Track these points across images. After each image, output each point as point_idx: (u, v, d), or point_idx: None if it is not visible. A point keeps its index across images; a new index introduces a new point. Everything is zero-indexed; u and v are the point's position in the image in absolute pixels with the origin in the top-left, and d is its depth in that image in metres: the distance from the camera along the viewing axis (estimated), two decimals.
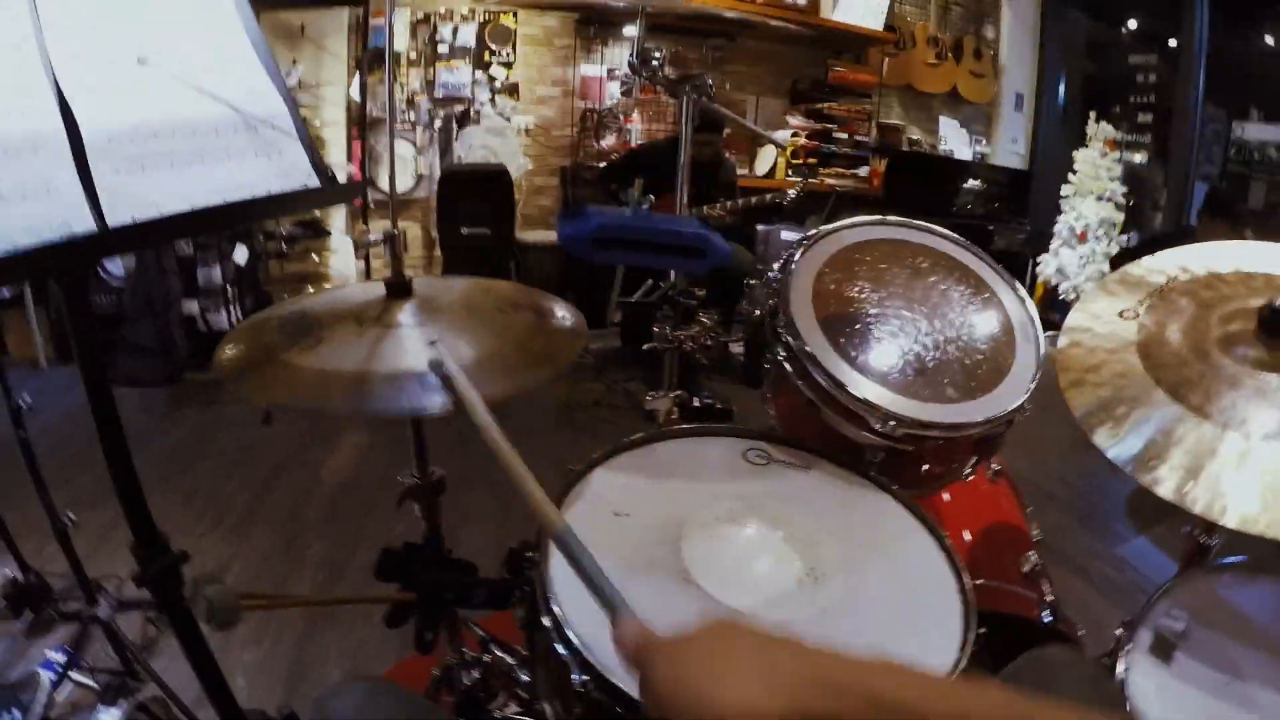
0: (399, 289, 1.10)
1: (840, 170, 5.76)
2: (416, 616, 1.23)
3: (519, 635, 1.04)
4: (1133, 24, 6.39)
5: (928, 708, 0.46)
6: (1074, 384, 1.12)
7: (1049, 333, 1.23)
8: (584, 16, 5.13)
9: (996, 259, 1.36)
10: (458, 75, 4.96)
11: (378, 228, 4.89)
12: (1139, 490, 1.01)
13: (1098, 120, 5.32)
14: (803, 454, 1.16)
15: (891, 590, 0.92)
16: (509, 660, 1.43)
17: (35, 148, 0.69)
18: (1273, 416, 0.97)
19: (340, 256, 4.84)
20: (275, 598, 1.99)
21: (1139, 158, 6.29)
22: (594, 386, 3.95)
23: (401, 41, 4.80)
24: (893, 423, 1.08)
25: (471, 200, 4.60)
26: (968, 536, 1.50)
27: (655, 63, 1.79)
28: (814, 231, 1.33)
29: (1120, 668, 0.99)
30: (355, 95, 4.72)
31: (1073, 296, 5.17)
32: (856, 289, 1.26)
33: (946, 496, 1.55)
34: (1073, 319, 1.22)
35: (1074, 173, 5.36)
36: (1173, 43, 5.89)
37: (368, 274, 4.93)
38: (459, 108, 5.00)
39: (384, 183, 4.29)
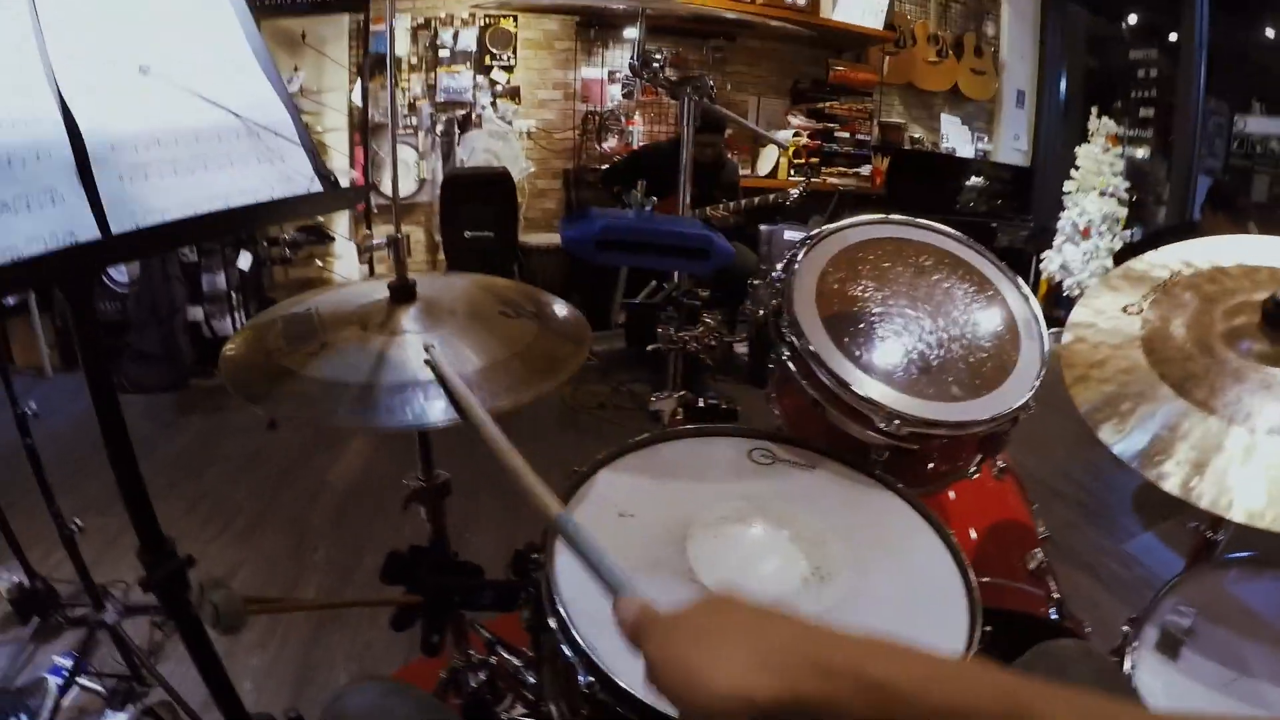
0: (403, 293, 1.10)
1: (842, 169, 5.77)
2: (423, 619, 1.23)
3: (525, 637, 1.04)
4: (1133, 18, 6.37)
5: (924, 693, 0.45)
6: (1079, 380, 1.12)
7: (1053, 329, 1.23)
8: (584, 19, 5.13)
9: (1000, 256, 1.36)
10: (459, 80, 4.97)
11: (381, 232, 4.89)
12: (1145, 485, 1.01)
13: (1099, 115, 5.31)
14: (808, 453, 1.16)
15: (897, 589, 0.92)
16: (515, 662, 1.43)
17: (39, 156, 0.70)
18: (1278, 410, 0.97)
19: (344, 261, 4.86)
20: (281, 602, 1.99)
21: (1141, 152, 6.28)
22: (599, 388, 3.95)
23: (402, 47, 4.82)
24: (897, 421, 1.08)
25: (474, 204, 4.60)
26: (974, 534, 1.50)
27: (656, 64, 1.79)
28: (817, 231, 1.33)
29: (1127, 665, 0.99)
30: (357, 101, 4.73)
31: (1076, 292, 5.17)
32: (860, 288, 1.26)
33: (952, 494, 1.55)
34: (1077, 315, 1.22)
35: (1076, 168, 5.35)
36: (1173, 36, 5.88)
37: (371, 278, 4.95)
38: (461, 112, 5.01)
39: (387, 187, 4.30)
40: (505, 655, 1.45)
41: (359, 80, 4.72)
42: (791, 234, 4.20)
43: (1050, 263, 5.41)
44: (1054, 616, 1.35)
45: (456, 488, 1.30)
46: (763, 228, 4.35)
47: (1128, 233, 5.34)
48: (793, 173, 5.50)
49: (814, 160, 5.63)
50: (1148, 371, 1.08)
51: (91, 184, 0.73)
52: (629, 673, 0.72)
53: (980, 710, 0.44)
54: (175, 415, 3.62)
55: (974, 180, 5.64)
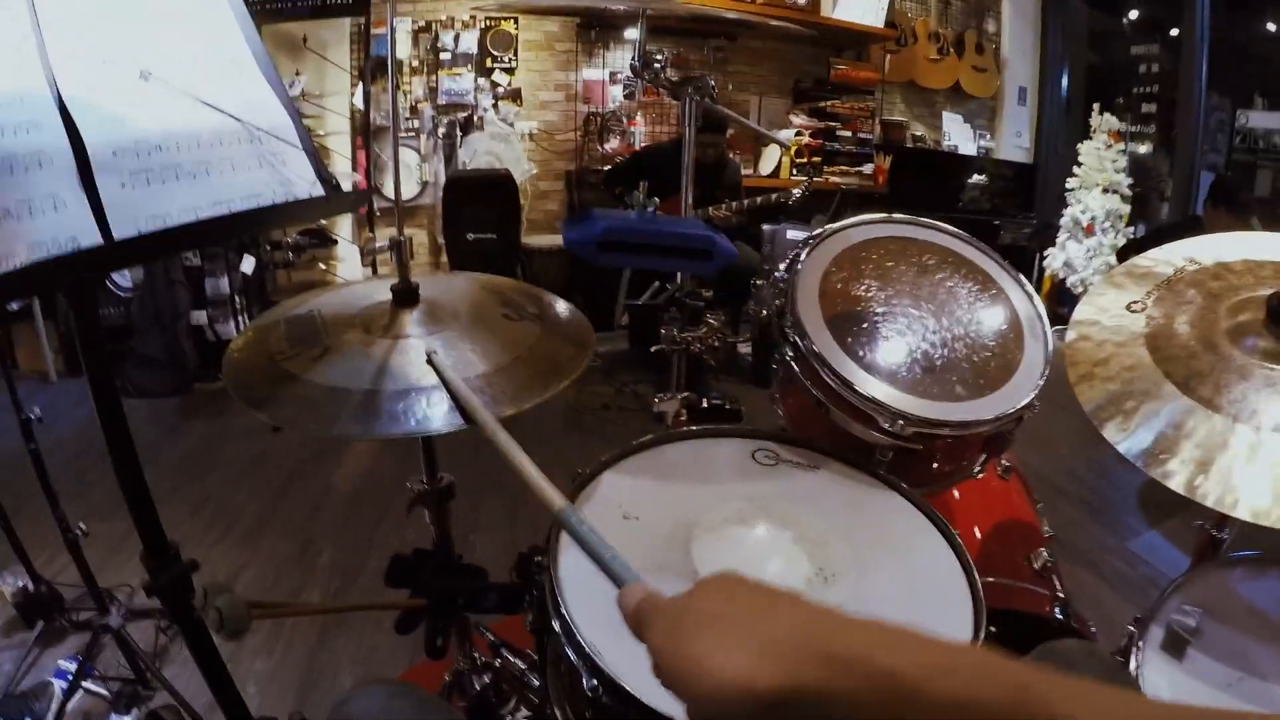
0: (406, 296, 1.10)
1: (844, 168, 5.77)
2: (427, 622, 1.23)
3: (530, 640, 1.04)
4: (1134, 14, 6.35)
5: (933, 685, 0.44)
6: (1083, 378, 1.11)
7: (1057, 327, 1.22)
8: (585, 21, 5.14)
9: (1003, 254, 1.35)
10: (460, 82, 4.98)
11: (384, 235, 4.91)
12: (1150, 483, 1.00)
13: (1101, 112, 5.30)
14: (811, 454, 1.15)
15: (902, 589, 0.92)
16: (520, 665, 1.43)
17: (40, 163, 0.70)
18: None
19: (347, 264, 4.86)
20: (286, 606, 1.99)
21: (1144, 148, 6.26)
22: (602, 389, 3.96)
23: (403, 49, 4.83)
24: (901, 421, 1.08)
25: (477, 206, 4.61)
26: (978, 534, 1.49)
27: (657, 65, 1.79)
28: (820, 230, 1.33)
29: (1133, 664, 0.98)
30: (359, 104, 4.74)
31: (1080, 290, 5.16)
32: (863, 287, 1.26)
33: (956, 494, 1.54)
34: (1080, 312, 1.21)
35: (1079, 165, 5.34)
36: (1174, 32, 5.87)
37: None
38: (462, 114, 5.02)
39: (389, 190, 4.31)
40: (510, 658, 1.45)
41: (360, 84, 4.73)
42: (794, 234, 4.19)
43: (1054, 260, 5.40)
44: (1059, 616, 1.35)
45: (460, 491, 1.30)
46: (765, 227, 4.34)
47: (1131, 229, 5.33)
48: (795, 172, 5.50)
49: (816, 159, 5.63)
50: (1152, 369, 1.07)
51: (93, 189, 0.73)
52: (633, 676, 0.72)
53: (993, 702, 0.43)
54: (179, 419, 3.63)
55: (976, 178, 5.63)
